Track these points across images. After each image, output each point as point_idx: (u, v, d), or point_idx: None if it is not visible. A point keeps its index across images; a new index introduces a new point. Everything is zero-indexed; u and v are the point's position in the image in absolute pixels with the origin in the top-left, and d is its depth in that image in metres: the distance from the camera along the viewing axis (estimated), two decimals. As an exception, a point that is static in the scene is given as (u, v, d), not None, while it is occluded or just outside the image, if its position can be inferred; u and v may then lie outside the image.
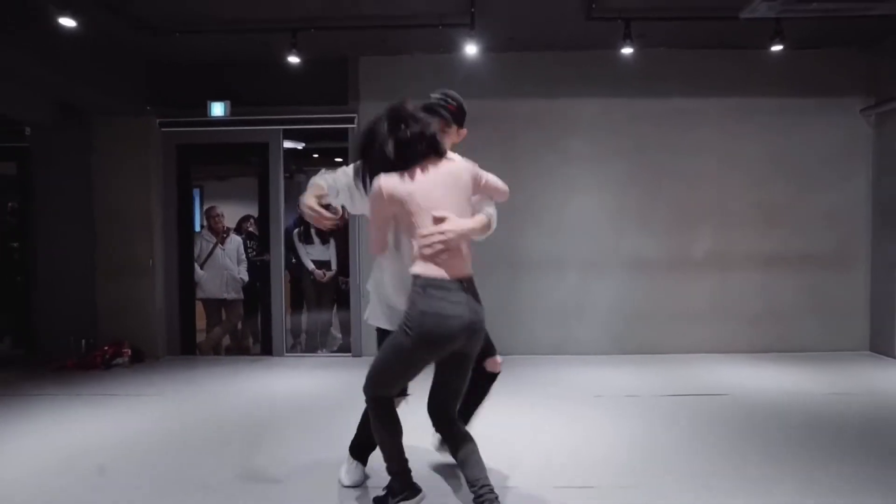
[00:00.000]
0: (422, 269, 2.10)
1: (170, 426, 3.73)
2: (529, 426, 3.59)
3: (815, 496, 2.56)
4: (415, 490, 2.31)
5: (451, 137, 2.49)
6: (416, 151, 2.14)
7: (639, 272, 5.69)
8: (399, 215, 2.16)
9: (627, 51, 4.78)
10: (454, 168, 2.22)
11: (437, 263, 2.09)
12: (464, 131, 2.57)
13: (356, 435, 2.68)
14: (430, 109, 2.41)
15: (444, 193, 2.15)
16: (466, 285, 2.15)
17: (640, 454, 3.11)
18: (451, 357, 2.17)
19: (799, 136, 5.63)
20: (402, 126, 2.15)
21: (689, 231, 5.72)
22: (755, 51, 5.21)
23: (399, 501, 2.29)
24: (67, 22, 3.94)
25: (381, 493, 2.39)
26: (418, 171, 2.14)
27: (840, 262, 5.68)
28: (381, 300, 2.45)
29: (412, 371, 2.23)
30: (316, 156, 7.73)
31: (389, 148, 2.13)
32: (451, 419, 2.25)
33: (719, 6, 4.44)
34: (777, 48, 4.78)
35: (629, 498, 2.59)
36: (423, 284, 2.08)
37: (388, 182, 2.12)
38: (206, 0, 4.52)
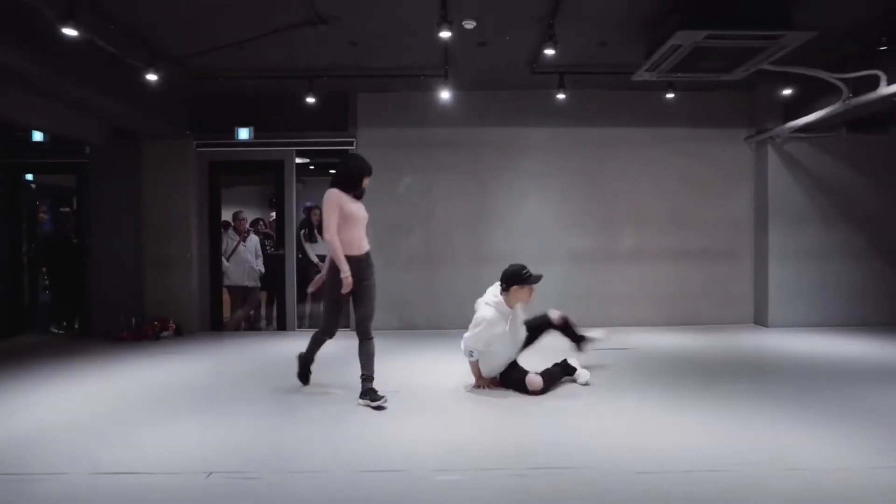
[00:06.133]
0: None
1: (214, 374, 5.01)
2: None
3: (702, 402, 3.98)
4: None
5: None
6: None
7: (578, 263, 7.26)
8: None
9: (561, 96, 6.32)
10: None
11: None
12: None
13: None
14: None
15: None
16: None
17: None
18: None
19: (698, 157, 7.27)
20: None
21: (616, 231, 7.32)
22: (662, 92, 6.82)
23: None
24: (151, 77, 5.25)
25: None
26: None
27: (731, 255, 7.33)
28: None
29: None
30: (312, 167, 9.15)
31: None
32: None
33: (629, 64, 5.91)
34: (670, 95, 6.40)
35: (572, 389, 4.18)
36: None
37: None
38: (244, 57, 5.90)
